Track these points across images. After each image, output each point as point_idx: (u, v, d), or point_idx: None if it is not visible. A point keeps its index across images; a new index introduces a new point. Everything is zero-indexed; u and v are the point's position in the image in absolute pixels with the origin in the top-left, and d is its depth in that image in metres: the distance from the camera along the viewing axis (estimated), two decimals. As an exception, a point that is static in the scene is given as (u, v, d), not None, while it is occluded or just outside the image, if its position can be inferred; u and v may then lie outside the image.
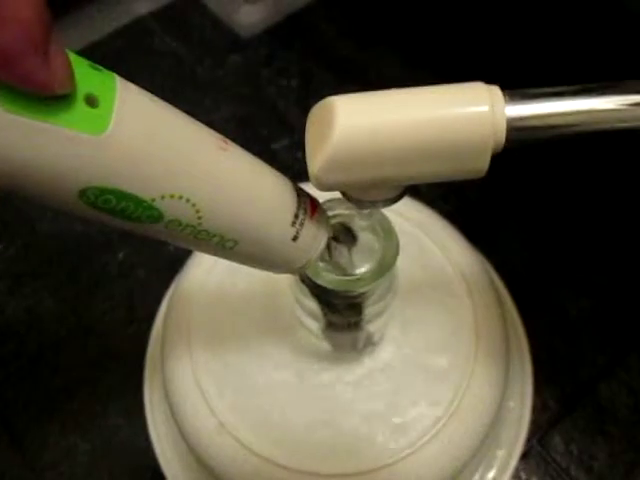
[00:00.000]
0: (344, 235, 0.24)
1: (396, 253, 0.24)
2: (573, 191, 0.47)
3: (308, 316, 0.28)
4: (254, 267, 0.22)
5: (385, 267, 0.24)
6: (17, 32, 0.12)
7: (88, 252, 0.46)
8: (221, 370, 0.30)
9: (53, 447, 0.38)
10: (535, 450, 0.37)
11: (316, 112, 0.18)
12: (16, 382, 0.41)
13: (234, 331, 0.31)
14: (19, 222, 0.47)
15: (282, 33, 0.58)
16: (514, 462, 0.34)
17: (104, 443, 0.38)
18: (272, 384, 0.29)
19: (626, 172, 0.47)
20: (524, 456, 0.36)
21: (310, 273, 0.23)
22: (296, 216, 0.20)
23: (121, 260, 0.45)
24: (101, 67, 0.15)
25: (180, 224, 0.17)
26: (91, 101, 0.14)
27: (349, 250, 0.24)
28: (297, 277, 0.26)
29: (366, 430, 0.28)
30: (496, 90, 0.17)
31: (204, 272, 0.33)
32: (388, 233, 0.24)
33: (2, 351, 0.42)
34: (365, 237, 0.25)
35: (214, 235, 0.18)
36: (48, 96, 0.13)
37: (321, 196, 0.21)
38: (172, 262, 0.42)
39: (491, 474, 0.34)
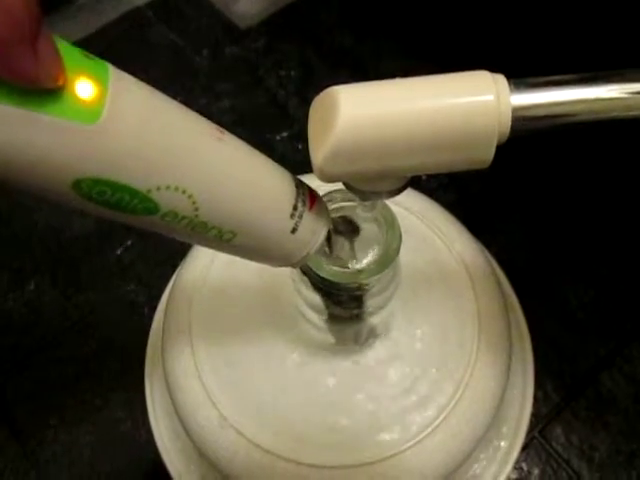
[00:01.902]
0: (346, 227, 0.24)
1: (399, 244, 0.24)
2: (575, 182, 0.47)
3: (310, 308, 0.28)
4: (252, 260, 0.21)
5: (388, 259, 0.24)
6: (4, 24, 0.11)
7: (88, 245, 0.46)
8: (222, 363, 0.30)
9: (54, 440, 0.38)
10: (536, 441, 0.37)
11: (319, 102, 0.18)
12: (17, 375, 0.41)
13: (235, 324, 0.31)
14: (19, 216, 0.47)
15: (280, 24, 0.57)
16: (515, 453, 0.34)
17: (105, 436, 0.38)
18: (274, 376, 0.29)
19: (628, 163, 0.47)
20: (525, 447, 0.36)
21: (313, 265, 0.23)
22: (295, 208, 0.20)
23: (121, 253, 0.45)
24: (94, 56, 0.15)
25: (176, 216, 0.17)
26: (84, 90, 0.14)
27: (351, 242, 0.24)
28: (299, 269, 0.26)
29: (368, 422, 0.28)
30: (501, 79, 0.17)
31: (204, 265, 0.33)
32: (391, 224, 0.24)
33: (3, 344, 0.42)
34: (367, 228, 0.24)
35: (212, 227, 0.18)
36: (37, 89, 0.13)
37: (322, 188, 0.21)
38: (172, 255, 0.42)
39: (493, 465, 0.34)
